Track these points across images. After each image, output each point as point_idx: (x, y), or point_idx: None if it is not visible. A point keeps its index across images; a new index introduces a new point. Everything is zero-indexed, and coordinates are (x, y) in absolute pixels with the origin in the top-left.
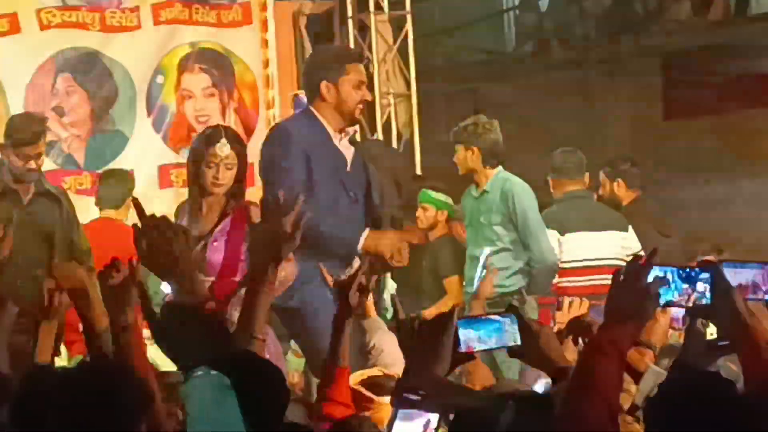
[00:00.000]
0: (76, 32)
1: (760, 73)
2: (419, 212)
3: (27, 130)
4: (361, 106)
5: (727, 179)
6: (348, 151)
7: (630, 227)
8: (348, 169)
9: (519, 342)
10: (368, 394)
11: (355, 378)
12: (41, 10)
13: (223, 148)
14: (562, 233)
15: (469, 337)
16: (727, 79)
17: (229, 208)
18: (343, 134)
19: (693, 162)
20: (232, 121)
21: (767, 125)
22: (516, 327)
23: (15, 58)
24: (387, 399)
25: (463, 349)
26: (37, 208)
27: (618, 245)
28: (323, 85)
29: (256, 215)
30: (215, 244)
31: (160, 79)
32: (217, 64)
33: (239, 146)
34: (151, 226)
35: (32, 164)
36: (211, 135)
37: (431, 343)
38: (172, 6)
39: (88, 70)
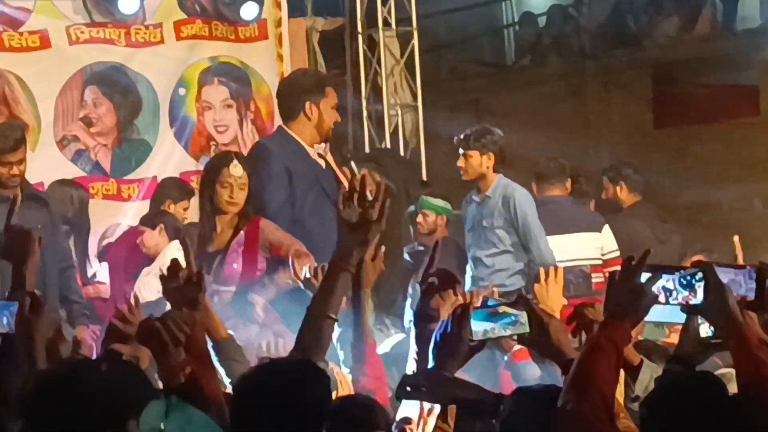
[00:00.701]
0: (103, 47)
1: (745, 85)
2: (420, 218)
3: (8, 139)
4: (333, 126)
5: (714, 184)
6: (321, 160)
7: (605, 228)
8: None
9: (528, 331)
10: None
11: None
12: (70, 27)
13: (236, 169)
14: None
15: (484, 329)
16: (713, 90)
17: (242, 225)
18: (313, 149)
19: (682, 168)
20: (249, 130)
21: (751, 133)
22: (526, 317)
23: (46, 71)
24: None
25: (476, 339)
26: (27, 212)
27: (591, 246)
28: (308, 105)
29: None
30: (234, 255)
31: (182, 91)
32: (235, 77)
33: (249, 168)
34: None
35: (15, 170)
36: (224, 158)
37: (450, 339)
38: (193, 23)
39: (115, 82)
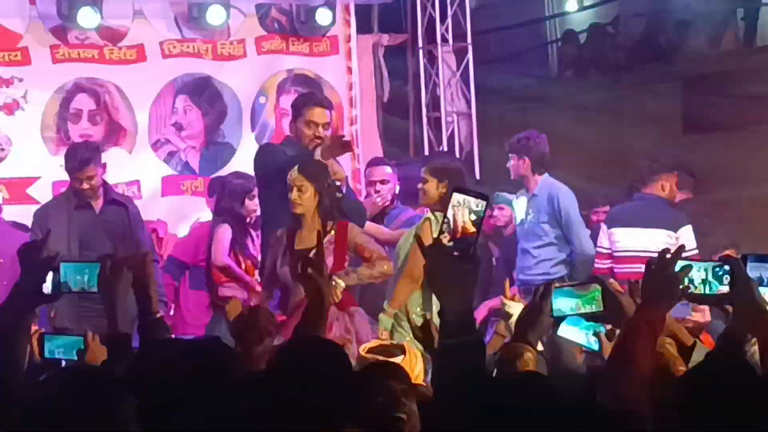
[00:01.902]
0: (193, 60)
1: (765, 95)
2: (496, 212)
3: (75, 159)
4: (313, 142)
5: (736, 184)
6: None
7: (683, 228)
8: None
9: (602, 309)
10: (380, 358)
11: (364, 348)
12: (164, 42)
13: (292, 173)
14: (609, 226)
15: (567, 305)
16: (737, 100)
17: (327, 224)
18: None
19: (708, 169)
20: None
21: None
22: (601, 296)
23: (142, 82)
24: (398, 359)
25: (556, 314)
26: (107, 215)
27: (662, 242)
28: (287, 122)
29: None
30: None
31: (262, 99)
32: (309, 87)
33: (311, 172)
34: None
35: (86, 185)
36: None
37: (533, 312)
38: (272, 38)
39: (202, 92)
